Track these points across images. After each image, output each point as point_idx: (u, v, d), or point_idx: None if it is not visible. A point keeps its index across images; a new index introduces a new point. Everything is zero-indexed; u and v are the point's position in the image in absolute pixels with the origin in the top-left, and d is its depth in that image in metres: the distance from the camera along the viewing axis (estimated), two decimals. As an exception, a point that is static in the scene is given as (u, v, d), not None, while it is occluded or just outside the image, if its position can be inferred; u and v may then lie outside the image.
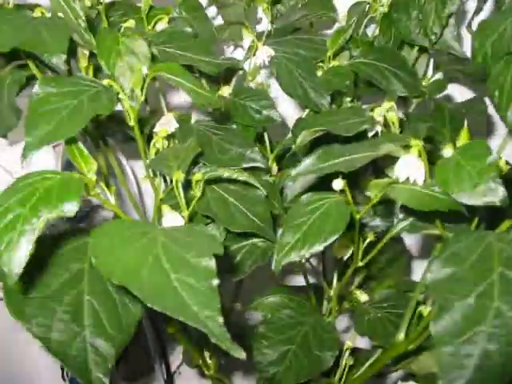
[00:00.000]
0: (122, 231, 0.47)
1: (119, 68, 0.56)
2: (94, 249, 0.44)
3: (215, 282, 0.42)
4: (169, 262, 0.43)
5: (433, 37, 0.74)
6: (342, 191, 0.55)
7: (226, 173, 0.61)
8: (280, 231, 0.55)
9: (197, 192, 0.59)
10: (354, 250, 0.62)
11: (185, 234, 0.48)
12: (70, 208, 0.46)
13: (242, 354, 0.39)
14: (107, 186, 0.57)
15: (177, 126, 0.66)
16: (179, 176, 0.57)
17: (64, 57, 0.53)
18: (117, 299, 0.51)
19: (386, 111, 0.60)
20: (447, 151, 0.50)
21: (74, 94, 0.52)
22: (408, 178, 0.51)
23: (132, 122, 0.57)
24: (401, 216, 0.58)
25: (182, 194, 0.57)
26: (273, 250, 0.68)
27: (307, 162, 0.56)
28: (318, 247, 0.52)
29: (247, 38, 0.80)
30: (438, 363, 0.40)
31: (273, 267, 0.55)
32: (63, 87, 0.52)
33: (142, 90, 0.56)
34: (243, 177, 0.62)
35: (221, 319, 0.40)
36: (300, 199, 0.55)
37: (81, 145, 0.53)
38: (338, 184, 0.55)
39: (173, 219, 0.58)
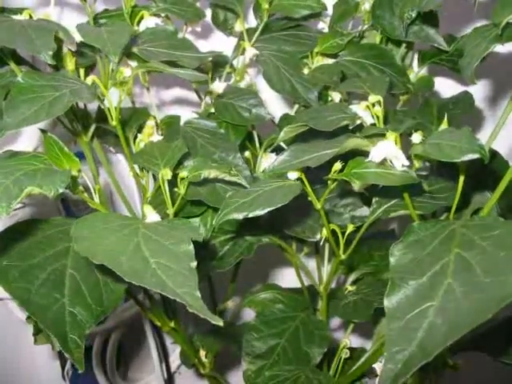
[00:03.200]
0: (104, 223, 0.49)
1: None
2: (75, 236, 0.46)
3: (193, 264, 0.44)
4: (148, 250, 0.45)
5: (407, 20, 0.72)
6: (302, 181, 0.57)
7: (212, 173, 0.61)
8: (228, 194, 0.57)
9: (181, 189, 0.60)
10: (333, 244, 0.63)
11: (167, 227, 0.50)
12: (52, 189, 0.48)
13: (219, 321, 0.41)
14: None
15: (159, 138, 0.67)
16: (166, 173, 0.58)
17: (51, 52, 0.54)
18: (100, 278, 0.53)
19: (372, 105, 0.61)
20: (416, 137, 0.54)
21: (56, 87, 0.54)
22: (383, 161, 0.53)
23: (114, 122, 0.58)
24: (375, 206, 0.59)
25: (167, 192, 0.58)
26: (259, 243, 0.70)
27: (281, 158, 0.58)
28: (261, 211, 0.53)
29: (239, 28, 0.81)
30: (386, 337, 0.40)
31: (214, 222, 0.57)
32: (46, 81, 0.54)
33: (123, 89, 0.57)
34: (231, 177, 0.62)
35: (198, 293, 0.42)
36: (257, 181, 0.56)
37: (61, 142, 0.54)
38: (293, 175, 0.57)
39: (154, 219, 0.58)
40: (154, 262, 0.44)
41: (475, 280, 0.41)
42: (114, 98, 0.60)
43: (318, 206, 0.57)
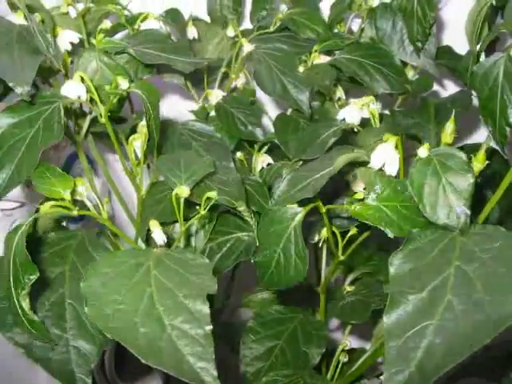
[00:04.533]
0: (114, 266, 0.47)
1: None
2: (86, 292, 0.44)
3: (209, 328, 0.42)
4: (162, 305, 0.44)
5: (419, 44, 0.74)
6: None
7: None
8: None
9: (202, 210, 0.55)
10: (332, 245, 0.62)
11: (177, 264, 0.48)
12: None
13: None
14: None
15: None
16: (182, 192, 0.54)
17: (28, 88, 0.52)
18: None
19: (367, 105, 0.60)
20: (422, 151, 0.49)
21: (32, 120, 0.53)
22: (382, 168, 0.52)
23: (103, 119, 0.57)
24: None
25: (181, 210, 0.54)
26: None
27: (280, 190, 0.58)
28: None
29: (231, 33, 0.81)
30: (385, 355, 0.40)
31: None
32: (23, 114, 0.53)
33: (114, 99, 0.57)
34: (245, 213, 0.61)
35: (215, 372, 0.40)
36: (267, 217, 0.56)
37: (50, 165, 0.53)
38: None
39: (158, 235, 0.56)
40: (169, 326, 0.42)
41: (475, 297, 0.40)
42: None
43: (323, 210, 0.56)
